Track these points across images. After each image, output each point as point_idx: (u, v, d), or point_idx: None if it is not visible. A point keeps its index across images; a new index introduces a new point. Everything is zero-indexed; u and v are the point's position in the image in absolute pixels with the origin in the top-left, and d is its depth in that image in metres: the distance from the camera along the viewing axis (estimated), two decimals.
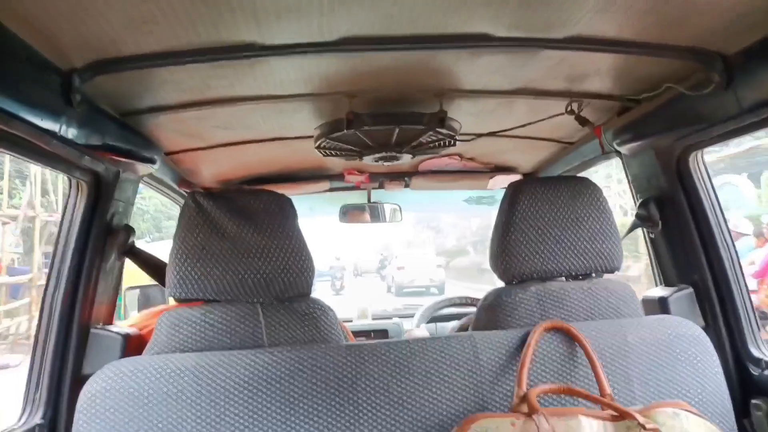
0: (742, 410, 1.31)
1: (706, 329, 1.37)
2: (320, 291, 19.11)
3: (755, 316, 1.42)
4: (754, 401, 1.32)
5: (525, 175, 2.36)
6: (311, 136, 1.58)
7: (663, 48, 1.14)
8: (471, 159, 2.21)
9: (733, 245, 1.45)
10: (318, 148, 1.60)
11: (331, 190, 2.41)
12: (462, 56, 1.21)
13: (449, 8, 0.97)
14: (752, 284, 5.17)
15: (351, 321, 2.75)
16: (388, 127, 1.45)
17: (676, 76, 1.25)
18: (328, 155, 1.67)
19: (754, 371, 1.36)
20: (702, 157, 1.46)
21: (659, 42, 1.13)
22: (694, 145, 1.39)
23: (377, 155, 1.62)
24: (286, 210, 1.23)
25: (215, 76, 1.24)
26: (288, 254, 1.18)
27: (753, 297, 4.83)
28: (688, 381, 1.17)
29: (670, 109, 1.33)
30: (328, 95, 1.40)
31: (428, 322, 2.46)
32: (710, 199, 1.45)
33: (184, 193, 2.09)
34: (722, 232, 1.45)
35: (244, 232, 1.17)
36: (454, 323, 2.37)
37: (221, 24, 0.98)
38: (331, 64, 1.22)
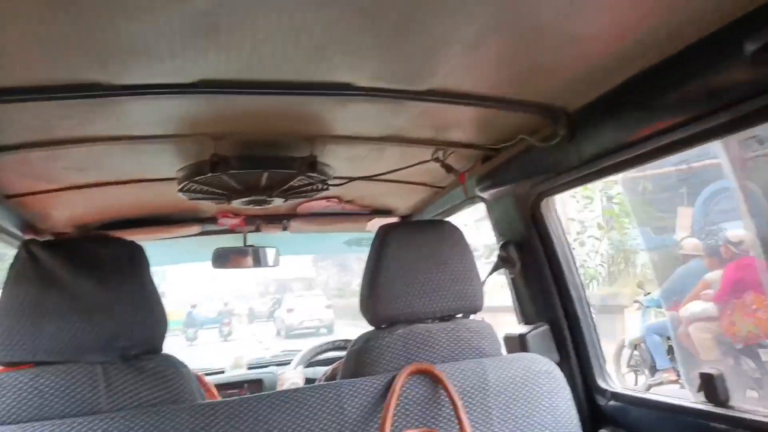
0: None
1: (560, 363, 1.46)
2: (208, 339, 18.25)
3: (601, 350, 1.54)
4: (601, 431, 1.42)
5: (402, 217, 2.42)
6: (175, 179, 1.51)
7: (515, 103, 1.24)
8: (350, 201, 2.22)
9: (582, 285, 1.58)
10: (182, 191, 1.52)
11: (203, 233, 2.30)
12: (329, 103, 1.22)
13: (311, 57, 0.99)
14: (712, 311, 4.77)
15: (223, 372, 2.59)
16: (256, 171, 1.42)
17: (529, 129, 1.36)
18: (194, 199, 1.59)
19: (601, 401, 1.47)
20: (553, 204, 1.59)
21: (512, 97, 1.22)
22: (546, 192, 1.51)
23: (246, 199, 1.57)
24: (135, 258, 1.14)
25: (60, 116, 1.14)
26: (136, 308, 1.09)
27: (712, 325, 4.67)
28: (544, 416, 1.23)
29: (524, 159, 1.43)
30: (191, 136, 1.35)
31: (306, 367, 2.39)
32: (561, 242, 1.58)
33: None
34: (572, 273, 1.57)
35: (85, 285, 1.06)
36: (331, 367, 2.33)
37: (60, 63, 0.92)
38: (191, 105, 1.18)
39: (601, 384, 1.49)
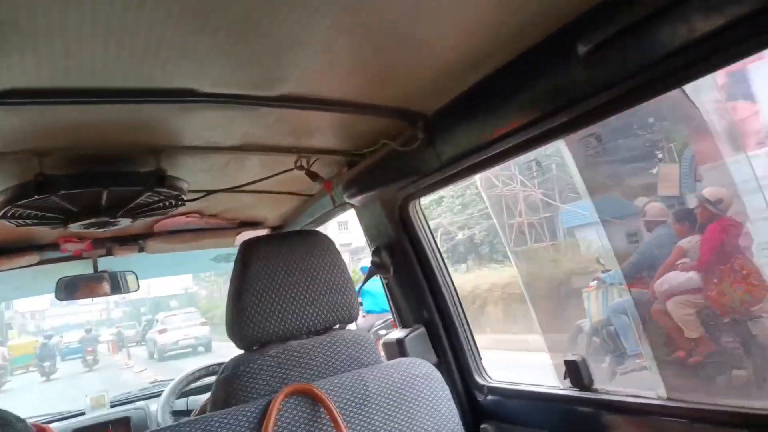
0: None
1: (438, 364, 1.47)
2: (70, 370, 16.57)
3: (476, 347, 1.57)
4: (483, 426, 1.45)
5: (272, 228, 2.32)
6: None
7: (374, 108, 1.22)
8: (214, 216, 2.08)
9: (453, 285, 1.60)
10: (4, 217, 1.30)
11: (43, 262, 2.01)
12: (173, 111, 1.11)
13: (143, 62, 0.87)
14: (694, 281, 4.03)
15: (83, 413, 2.30)
16: (92, 190, 1.25)
17: (390, 134, 1.34)
18: (21, 225, 1.37)
19: (479, 397, 1.50)
20: (419, 206, 1.59)
21: (369, 102, 1.20)
22: (411, 195, 1.52)
23: (85, 222, 1.39)
24: None
25: None
26: None
27: (695, 297, 3.89)
28: (426, 418, 1.22)
29: (388, 163, 1.42)
30: (10, 155, 1.15)
31: (179, 397, 2.20)
32: (430, 244, 1.59)
33: None
34: (443, 273, 1.59)
35: None
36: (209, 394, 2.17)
37: None
38: (3, 119, 1.00)
39: (478, 380, 1.52)
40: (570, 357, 1.25)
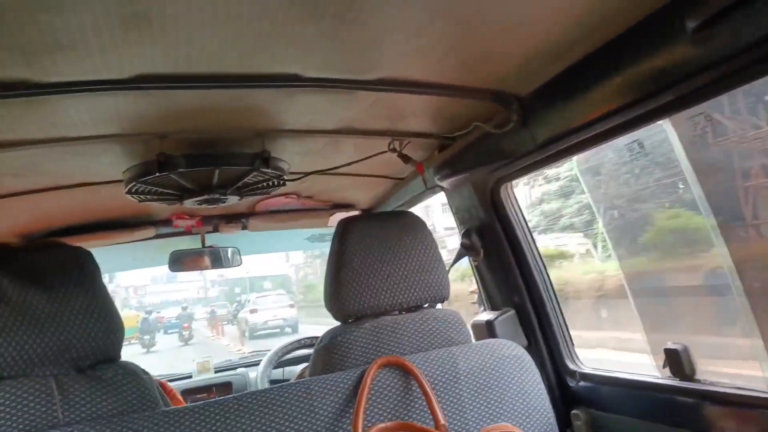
0: (564, 421, 1.41)
1: (528, 348, 1.47)
2: (168, 344, 17.89)
3: (569, 333, 1.55)
4: (573, 411, 1.43)
5: (363, 211, 2.39)
6: (121, 181, 1.43)
7: (467, 90, 1.22)
8: (309, 197, 2.18)
9: (546, 269, 1.58)
10: (129, 192, 1.45)
11: (158, 237, 2.21)
12: (278, 96, 1.18)
13: (254, 48, 0.94)
14: None
15: (190, 377, 2.52)
16: (206, 168, 1.36)
17: (483, 116, 1.35)
18: (143, 200, 1.52)
19: (571, 383, 1.48)
20: (512, 189, 1.58)
21: (463, 84, 1.20)
22: (504, 178, 1.51)
23: (199, 198, 1.51)
24: (84, 265, 1.07)
25: None
26: (87, 316, 1.03)
27: None
28: (514, 400, 1.23)
29: (480, 146, 1.42)
30: (135, 136, 1.28)
31: (276, 367, 2.35)
32: (522, 227, 1.58)
33: None
34: (535, 257, 1.57)
35: (29, 295, 1.00)
36: (304, 366, 2.29)
37: None
38: (131, 103, 1.12)
39: (570, 366, 1.49)
40: (671, 346, 1.20)
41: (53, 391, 0.99)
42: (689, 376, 1.18)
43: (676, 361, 1.19)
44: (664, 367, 1.22)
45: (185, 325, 19.29)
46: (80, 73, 0.95)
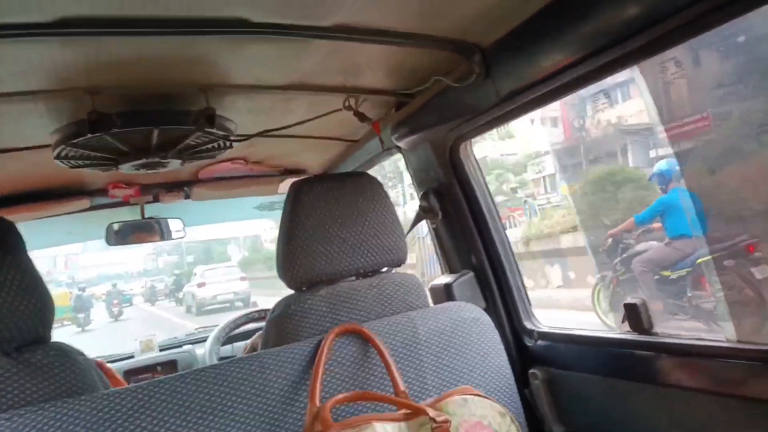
0: (522, 381, 1.42)
1: (486, 309, 1.45)
2: (99, 318, 17.47)
3: (526, 292, 1.55)
4: (531, 371, 1.43)
5: (316, 176, 2.31)
6: (49, 145, 1.29)
7: (427, 39, 1.16)
8: (257, 162, 2.08)
9: (504, 230, 1.56)
10: (58, 158, 1.31)
11: (93, 208, 2.05)
12: (223, 45, 1.08)
13: None
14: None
15: (132, 356, 2.40)
16: (145, 129, 1.25)
17: (443, 69, 1.29)
18: (75, 166, 1.39)
19: (529, 342, 1.48)
20: (471, 147, 1.54)
21: (423, 33, 1.14)
22: (464, 136, 1.47)
23: (136, 162, 1.39)
24: (5, 239, 0.96)
25: None
26: (10, 294, 0.92)
27: None
28: (474, 362, 1.23)
29: (440, 102, 1.37)
30: (63, 92, 1.15)
31: (225, 344, 2.26)
32: (482, 187, 1.55)
33: None
34: (494, 218, 1.55)
35: None
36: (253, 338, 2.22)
37: None
38: (56, 54, 0.99)
39: (528, 325, 1.50)
40: (629, 300, 1.21)
41: None
42: (647, 330, 1.19)
43: (634, 315, 1.20)
44: (623, 321, 1.23)
45: (115, 301, 18.91)
46: None
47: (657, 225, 5.24)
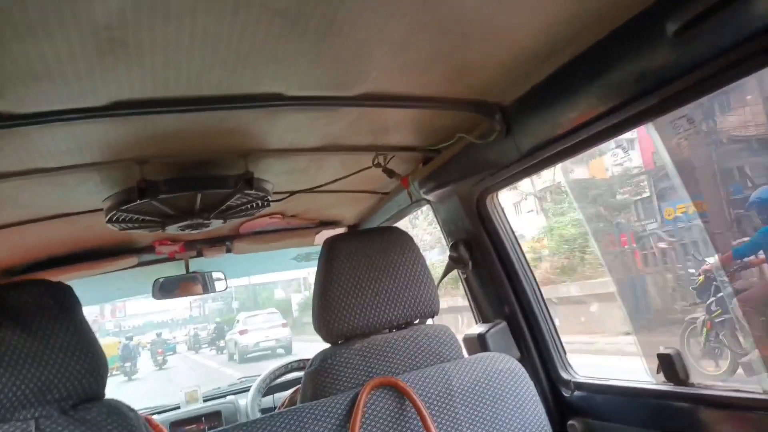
0: None
1: (521, 360, 1.45)
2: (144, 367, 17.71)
3: (561, 342, 1.54)
4: (570, 422, 1.41)
5: (349, 227, 2.37)
6: (101, 209, 1.40)
7: (450, 101, 1.22)
8: (294, 216, 2.16)
9: (534, 279, 1.58)
10: (110, 222, 1.42)
11: (141, 264, 2.17)
12: (260, 116, 1.17)
13: (234, 68, 0.93)
14: None
15: (178, 407, 2.46)
16: (188, 193, 1.34)
17: (467, 127, 1.34)
18: (125, 229, 1.49)
19: (566, 393, 1.47)
20: (497, 199, 1.58)
21: (446, 96, 1.20)
22: (489, 189, 1.50)
23: (181, 224, 1.48)
24: (63, 301, 1.04)
25: None
26: (68, 354, 0.99)
27: None
28: (511, 414, 1.21)
29: (464, 157, 1.42)
30: (114, 163, 1.26)
31: (265, 395, 2.30)
32: (509, 237, 1.57)
33: None
34: (523, 267, 1.57)
35: (7, 336, 0.96)
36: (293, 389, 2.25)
37: None
38: (109, 130, 1.10)
39: (564, 375, 1.48)
40: (663, 350, 1.20)
41: None
42: (683, 381, 1.17)
43: (669, 365, 1.19)
44: (657, 372, 1.22)
45: (159, 350, 19.31)
46: (56, 103, 0.93)
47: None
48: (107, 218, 1.40)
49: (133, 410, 1.08)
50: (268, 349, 17.58)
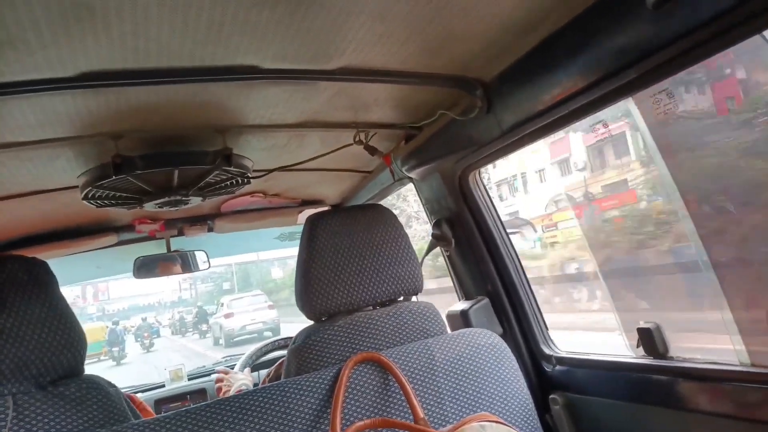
0: (542, 406, 1.41)
1: (503, 335, 1.46)
2: (132, 351, 17.70)
3: (542, 317, 1.55)
4: (551, 396, 1.43)
5: (332, 206, 2.36)
6: (77, 187, 1.37)
7: (431, 77, 1.20)
8: (276, 195, 2.14)
9: (517, 255, 1.58)
10: (86, 198, 1.39)
11: (120, 243, 2.14)
12: (236, 90, 1.14)
13: (206, 39, 0.90)
14: None
15: (163, 386, 2.45)
16: (165, 170, 1.31)
17: (448, 103, 1.33)
18: (101, 206, 1.46)
19: (547, 368, 1.48)
20: (479, 176, 1.57)
21: (426, 71, 1.18)
22: (471, 166, 1.49)
23: (159, 201, 1.45)
24: (38, 277, 1.02)
25: None
26: (45, 330, 0.98)
27: None
28: (492, 388, 1.22)
29: (446, 134, 1.41)
30: (88, 138, 1.22)
31: (252, 371, 2.30)
32: (492, 214, 1.57)
33: None
34: (506, 244, 1.57)
35: None
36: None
37: None
38: (81, 103, 1.06)
39: (546, 350, 1.50)
40: (643, 325, 1.21)
41: (7, 411, 0.94)
42: (662, 354, 1.19)
43: (649, 339, 1.20)
44: (637, 346, 1.23)
45: (145, 334, 19.43)
46: (21, 72, 0.89)
47: None
48: (83, 195, 1.37)
49: (113, 385, 1.07)
50: (255, 332, 17.26)
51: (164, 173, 1.34)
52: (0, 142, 1.15)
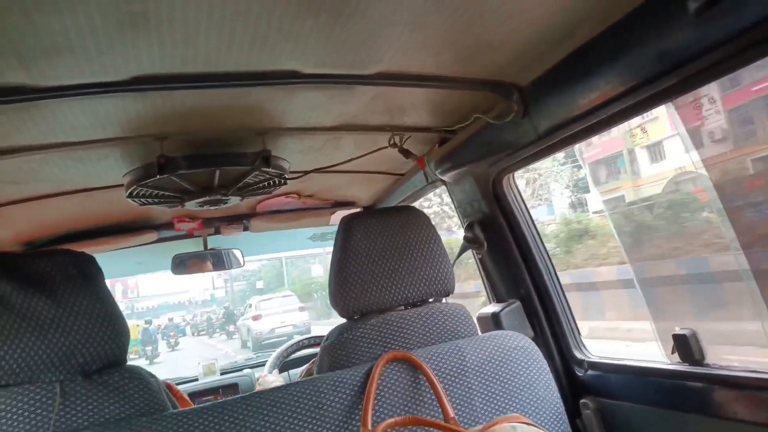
0: (573, 411, 1.41)
1: (535, 339, 1.46)
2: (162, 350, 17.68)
3: (575, 322, 1.54)
4: (582, 401, 1.42)
5: (365, 208, 2.39)
6: (122, 185, 1.43)
7: (467, 81, 1.22)
8: (310, 196, 2.18)
9: (550, 259, 1.58)
10: (130, 196, 1.44)
11: (160, 240, 2.21)
12: (277, 94, 1.18)
13: (251, 46, 0.94)
14: None
15: (196, 380, 2.52)
16: (207, 170, 1.36)
17: (483, 107, 1.34)
18: (144, 204, 1.52)
19: (579, 372, 1.47)
20: (514, 180, 1.58)
21: (462, 76, 1.20)
22: (505, 170, 1.50)
23: (200, 200, 1.51)
24: (86, 271, 1.08)
25: None
26: (92, 321, 1.03)
27: None
28: (523, 391, 1.23)
29: (481, 138, 1.42)
30: (135, 139, 1.28)
31: (281, 371, 2.35)
32: (525, 218, 1.57)
33: None
34: (539, 248, 1.57)
35: (33, 302, 1.00)
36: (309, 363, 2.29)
37: None
38: (130, 105, 1.11)
39: (578, 355, 1.49)
40: (678, 331, 1.20)
41: (55, 398, 0.99)
42: (698, 361, 1.17)
43: (684, 346, 1.18)
44: (672, 353, 1.21)
45: (171, 333, 19.86)
46: (77, 77, 0.94)
47: None
48: (128, 193, 1.43)
49: (153, 376, 1.12)
50: (285, 335, 15.52)
51: (206, 173, 1.39)
52: (54, 142, 1.21)
